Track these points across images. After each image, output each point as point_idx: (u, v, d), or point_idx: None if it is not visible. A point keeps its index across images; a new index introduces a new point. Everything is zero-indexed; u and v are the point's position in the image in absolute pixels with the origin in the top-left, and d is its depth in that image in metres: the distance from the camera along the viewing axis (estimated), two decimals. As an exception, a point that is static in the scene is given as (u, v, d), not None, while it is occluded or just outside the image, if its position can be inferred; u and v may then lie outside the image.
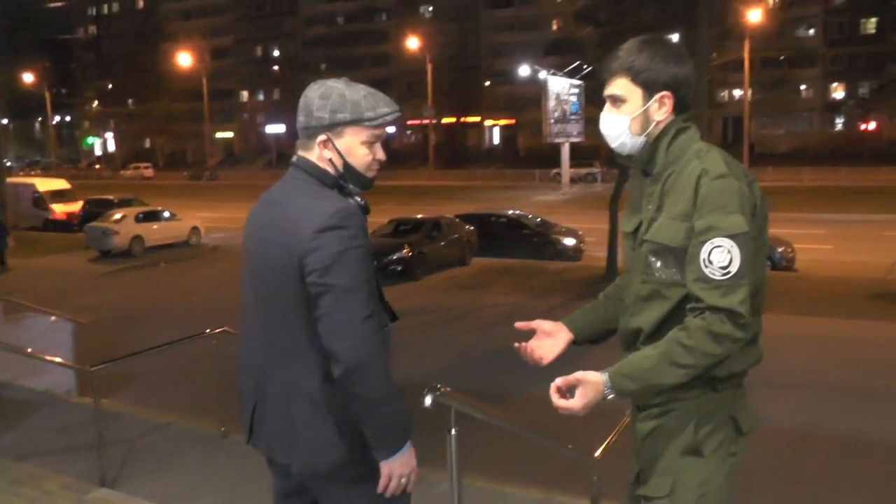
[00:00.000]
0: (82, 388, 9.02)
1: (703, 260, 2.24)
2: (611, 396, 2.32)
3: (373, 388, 2.35)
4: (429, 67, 70.13)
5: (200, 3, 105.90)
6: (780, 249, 20.45)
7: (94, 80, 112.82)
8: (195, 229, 28.88)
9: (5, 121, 65.41)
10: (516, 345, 2.74)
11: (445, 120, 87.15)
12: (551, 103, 44.04)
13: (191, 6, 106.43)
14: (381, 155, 2.60)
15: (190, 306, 16.21)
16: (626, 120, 2.46)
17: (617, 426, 4.92)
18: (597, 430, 4.97)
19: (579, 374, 2.33)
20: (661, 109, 2.43)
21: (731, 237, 2.22)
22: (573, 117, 45.52)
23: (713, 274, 2.23)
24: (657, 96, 2.42)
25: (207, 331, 6.86)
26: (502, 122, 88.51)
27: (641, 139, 2.47)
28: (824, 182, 48.31)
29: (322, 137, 2.51)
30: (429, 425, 3.62)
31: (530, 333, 2.81)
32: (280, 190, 2.59)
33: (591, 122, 42.95)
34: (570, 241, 24.32)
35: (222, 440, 6.90)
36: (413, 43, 70.94)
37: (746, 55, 50.99)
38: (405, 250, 20.63)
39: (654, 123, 2.45)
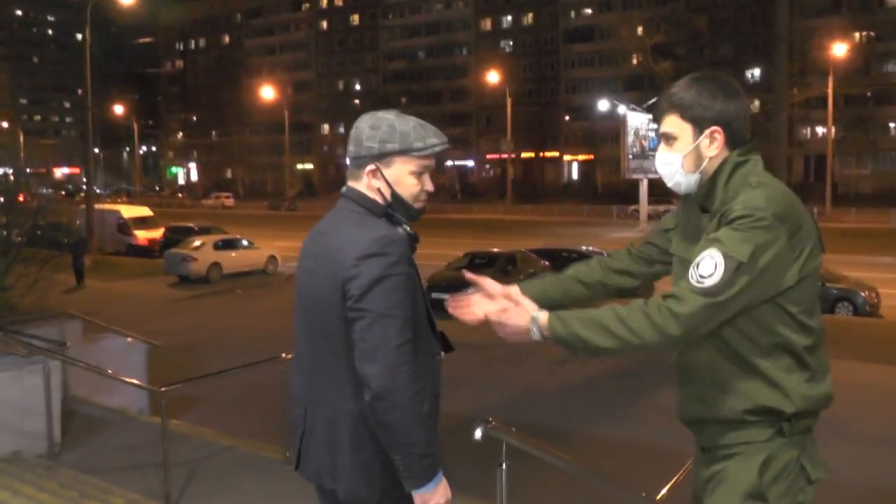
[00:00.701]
0: (153, 408, 9.20)
1: (695, 264, 2.23)
2: (535, 334, 2.33)
3: (400, 417, 2.33)
4: (508, 102, 70.41)
5: (284, 39, 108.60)
6: (863, 294, 19.74)
7: (179, 113, 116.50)
8: (272, 258, 29.29)
9: (96, 150, 67.99)
10: (447, 298, 2.68)
11: (524, 154, 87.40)
12: (630, 139, 43.76)
13: (274, 41, 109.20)
14: (429, 186, 2.61)
15: (262, 333, 16.41)
16: (678, 158, 2.47)
17: (681, 469, 4.80)
18: (658, 474, 4.86)
19: (521, 297, 2.45)
20: (713, 145, 2.42)
21: (726, 256, 2.18)
22: (652, 153, 45.07)
23: (692, 277, 2.21)
24: (707, 132, 2.41)
25: (283, 355, 6.91)
26: (581, 157, 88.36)
27: (696, 176, 2.46)
28: (912, 225, 46.81)
29: (371, 167, 2.54)
30: (481, 459, 3.59)
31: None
32: (329, 221, 2.62)
33: (670, 159, 42.39)
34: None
35: (285, 466, 6.94)
36: (492, 77, 71.37)
37: (830, 91, 49.88)
38: (478, 283, 20.60)
39: (706, 160, 2.44)
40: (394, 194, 2.55)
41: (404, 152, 2.52)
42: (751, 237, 2.20)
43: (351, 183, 2.61)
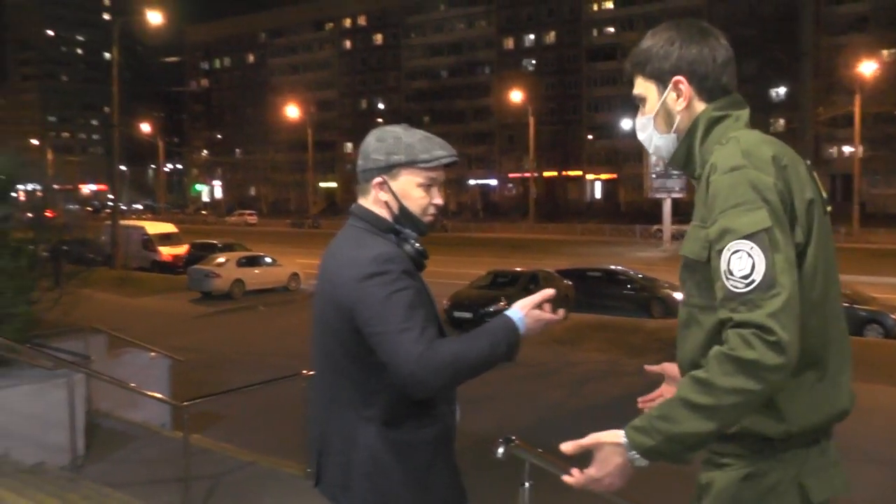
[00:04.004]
0: (175, 422, 9.23)
1: (724, 272, 1.81)
2: (637, 460, 1.90)
3: (463, 378, 2.33)
4: (531, 120, 70.47)
5: (307, 58, 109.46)
6: (894, 317, 19.37)
7: (204, 131, 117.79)
8: (294, 275, 29.36)
9: (122, 167, 68.81)
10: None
11: (546, 173, 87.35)
12: (653, 158, 43.62)
13: (298, 60, 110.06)
14: (437, 199, 2.58)
15: (284, 349, 16.42)
16: (649, 119, 2.19)
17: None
18: (683, 494, 4.79)
19: (593, 437, 1.96)
20: (680, 99, 2.11)
21: (749, 237, 1.79)
22: (675, 172, 44.94)
23: (735, 287, 1.78)
24: (671, 84, 2.11)
25: (304, 372, 6.91)
26: (604, 175, 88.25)
27: (671, 136, 2.16)
28: (943, 246, 46.26)
29: (378, 179, 2.53)
30: (503, 478, 3.55)
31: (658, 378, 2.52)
32: (336, 239, 2.60)
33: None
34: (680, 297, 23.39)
35: (305, 481, 6.91)
36: (515, 96, 71.43)
37: (857, 109, 49.58)
38: (501, 303, 20.57)
39: (677, 117, 2.13)
40: (401, 207, 2.53)
41: (410, 164, 2.50)
42: (754, 201, 1.83)
43: (360, 198, 2.60)
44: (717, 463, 2.05)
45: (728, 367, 1.75)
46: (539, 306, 2.47)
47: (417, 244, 2.54)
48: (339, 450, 2.51)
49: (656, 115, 2.17)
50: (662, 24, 2.16)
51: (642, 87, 2.18)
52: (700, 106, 2.10)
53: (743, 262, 1.78)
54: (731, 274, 1.80)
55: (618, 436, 1.92)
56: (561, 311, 2.52)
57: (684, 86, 2.09)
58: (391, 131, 2.55)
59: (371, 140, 2.56)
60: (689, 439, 1.82)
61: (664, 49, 2.10)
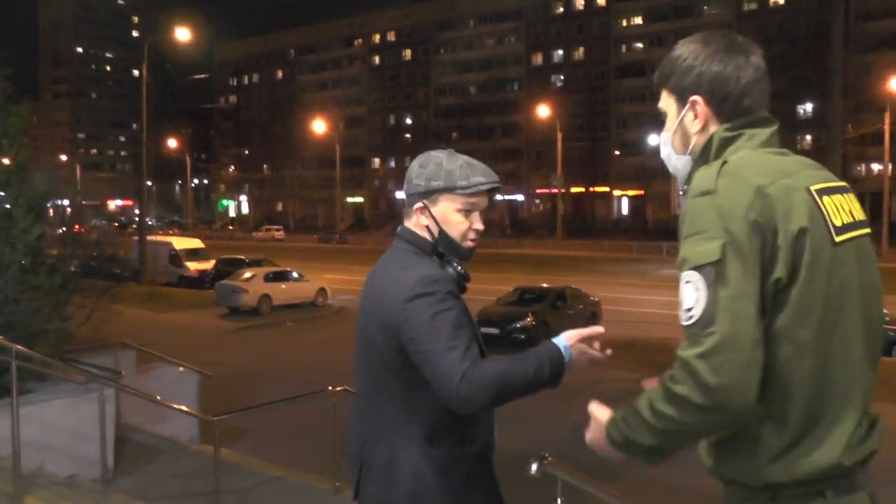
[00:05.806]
0: (204, 437, 9.29)
1: (679, 301, 1.76)
2: (610, 446, 1.94)
3: (506, 398, 2.34)
4: (559, 137, 70.35)
5: (336, 74, 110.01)
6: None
7: (232, 147, 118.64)
8: (322, 290, 29.48)
9: (150, 183, 69.58)
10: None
11: (574, 189, 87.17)
12: (680, 175, 43.56)
13: (327, 77, 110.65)
14: (478, 225, 2.62)
15: (312, 365, 16.49)
16: (667, 136, 2.06)
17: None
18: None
19: (593, 406, 2.06)
20: (696, 120, 1.96)
21: (697, 269, 1.71)
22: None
23: (682, 318, 1.74)
24: (689, 103, 1.97)
25: (329, 388, 6.97)
26: (631, 192, 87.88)
27: (687, 158, 2.03)
28: (973, 263, 45.62)
29: (419, 204, 2.58)
30: (534, 494, 3.56)
31: None
32: (382, 260, 2.66)
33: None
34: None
35: (335, 496, 6.95)
36: (543, 112, 71.36)
37: (886, 128, 49.10)
38: (528, 319, 20.51)
39: (693, 139, 1.99)
40: (441, 232, 2.57)
41: (448, 190, 2.55)
42: (714, 229, 1.73)
43: (405, 221, 2.66)
44: None
45: (665, 394, 1.73)
46: (587, 342, 2.50)
47: (459, 267, 2.58)
48: (382, 465, 2.55)
49: (674, 134, 2.04)
50: (695, 35, 2.02)
51: (664, 101, 2.05)
52: (716, 126, 1.95)
53: (689, 295, 1.73)
54: (681, 305, 1.75)
55: (605, 417, 1.99)
56: (608, 351, 2.54)
57: (701, 107, 1.95)
58: (434, 157, 2.60)
59: (415, 165, 2.62)
60: (640, 447, 1.85)
61: (687, 63, 1.96)
